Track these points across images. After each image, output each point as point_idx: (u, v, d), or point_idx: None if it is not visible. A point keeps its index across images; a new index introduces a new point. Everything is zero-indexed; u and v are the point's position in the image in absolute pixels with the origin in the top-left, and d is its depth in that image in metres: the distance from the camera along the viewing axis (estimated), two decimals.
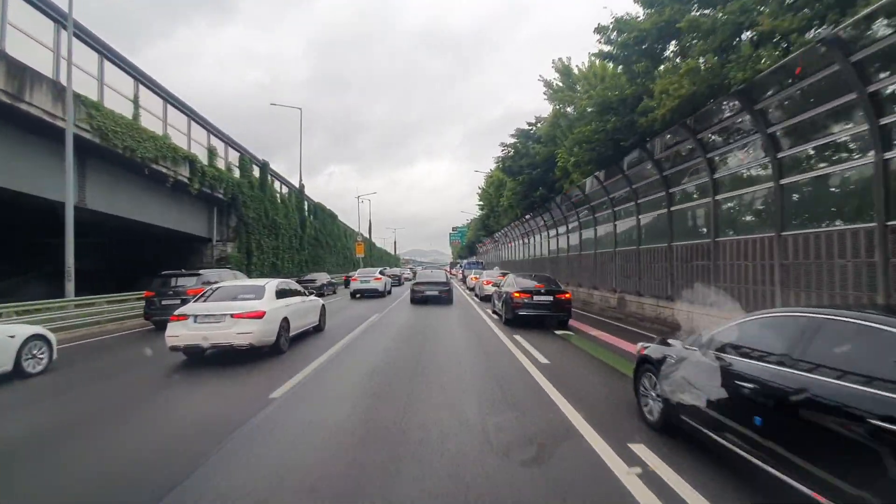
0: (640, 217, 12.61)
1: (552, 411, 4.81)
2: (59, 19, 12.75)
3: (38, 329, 7.41)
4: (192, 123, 20.28)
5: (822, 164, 6.87)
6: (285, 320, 8.42)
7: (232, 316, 7.39)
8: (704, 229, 9.66)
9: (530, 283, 12.69)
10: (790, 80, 6.69)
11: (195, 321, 7.42)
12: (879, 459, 1.95)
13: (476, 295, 22.70)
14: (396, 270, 46.19)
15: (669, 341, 4.31)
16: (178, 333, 7.31)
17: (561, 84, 15.78)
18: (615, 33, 10.75)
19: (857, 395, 2.21)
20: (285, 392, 5.77)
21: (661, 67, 10.60)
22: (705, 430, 3.27)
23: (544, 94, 16.49)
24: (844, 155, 6.47)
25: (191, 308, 7.76)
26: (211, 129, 21.78)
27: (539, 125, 19.67)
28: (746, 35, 8.66)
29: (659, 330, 10.62)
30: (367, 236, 66.31)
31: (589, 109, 12.68)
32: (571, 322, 12.30)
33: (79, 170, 14.11)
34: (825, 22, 7.21)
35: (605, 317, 13.30)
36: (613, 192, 14.01)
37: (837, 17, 6.77)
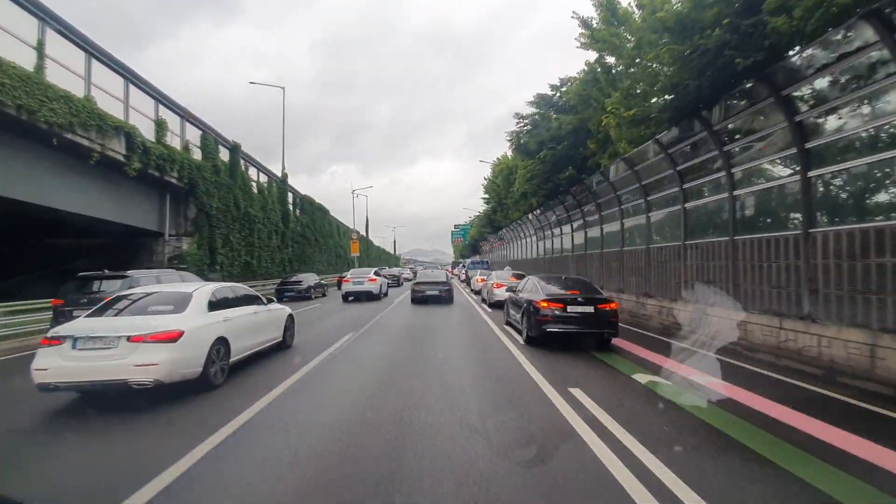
0: (734, 193, 8.55)
1: None
2: None
3: None
4: (132, 88, 16.29)
5: None
6: (221, 342, 6.11)
7: (128, 339, 5.16)
8: None
9: (561, 289, 9.42)
10: None
11: (74, 347, 5.16)
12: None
13: (484, 300, 18.76)
14: (395, 270, 43.38)
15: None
16: (49, 366, 5.08)
17: (603, 25, 11.69)
18: None
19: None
20: (186, 470, 3.36)
21: None
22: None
23: (579, 39, 12.36)
24: None
25: (72, 327, 5.47)
26: (159, 96, 17.78)
27: (566, 88, 15.55)
28: None
29: (796, 371, 6.58)
30: (364, 234, 62.41)
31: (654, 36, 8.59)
32: (625, 344, 8.70)
33: None
34: None
35: (672, 337, 9.25)
36: (685, 159, 9.96)
37: None
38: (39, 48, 12.49)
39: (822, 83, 6.40)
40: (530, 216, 25.29)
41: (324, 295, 24.37)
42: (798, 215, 7.11)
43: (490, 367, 7.28)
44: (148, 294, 6.36)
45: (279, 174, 29.71)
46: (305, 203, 34.87)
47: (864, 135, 5.99)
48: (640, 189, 11.92)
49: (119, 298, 6.32)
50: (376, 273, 22.69)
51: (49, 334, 5.41)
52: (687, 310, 9.86)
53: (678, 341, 8.71)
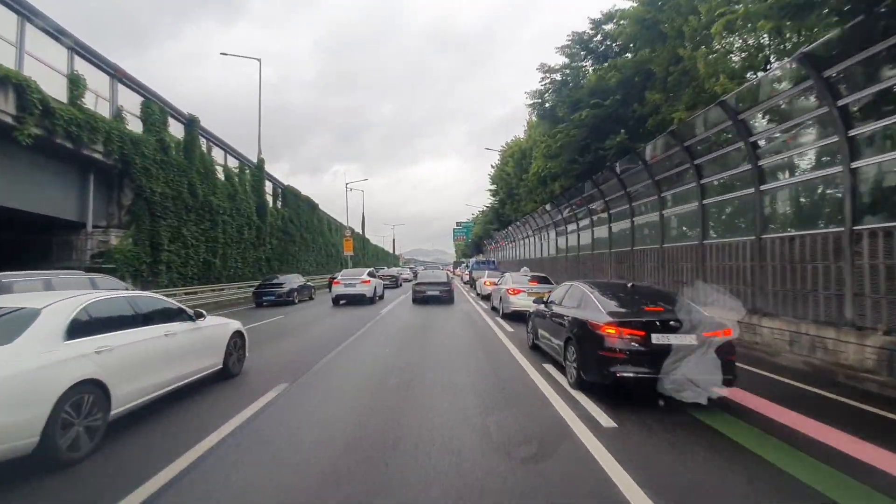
0: None
1: None
2: None
3: None
4: (29, 28, 12.24)
5: None
6: (89, 387, 3.98)
7: None
8: None
9: (632, 305, 5.79)
10: None
11: None
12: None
13: (495, 308, 14.90)
14: (394, 271, 40.34)
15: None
16: None
17: None
18: None
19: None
20: None
21: None
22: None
23: None
24: None
25: None
26: (76, 46, 13.71)
27: (615, 24, 11.27)
28: None
29: None
30: (360, 231, 58.38)
31: None
32: (756, 402, 5.00)
33: None
34: None
35: (853, 396, 5.18)
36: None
37: None
38: None
39: None
40: (548, 207, 21.20)
41: (310, 298, 21.44)
42: None
43: (532, 445, 3.97)
44: None
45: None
46: (288, 194, 30.80)
47: None
48: (749, 149, 7.76)
49: None
50: (370, 274, 19.87)
51: None
52: (870, 343, 5.71)
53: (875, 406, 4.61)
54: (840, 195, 6.34)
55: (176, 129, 18.61)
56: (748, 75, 7.10)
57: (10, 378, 3.43)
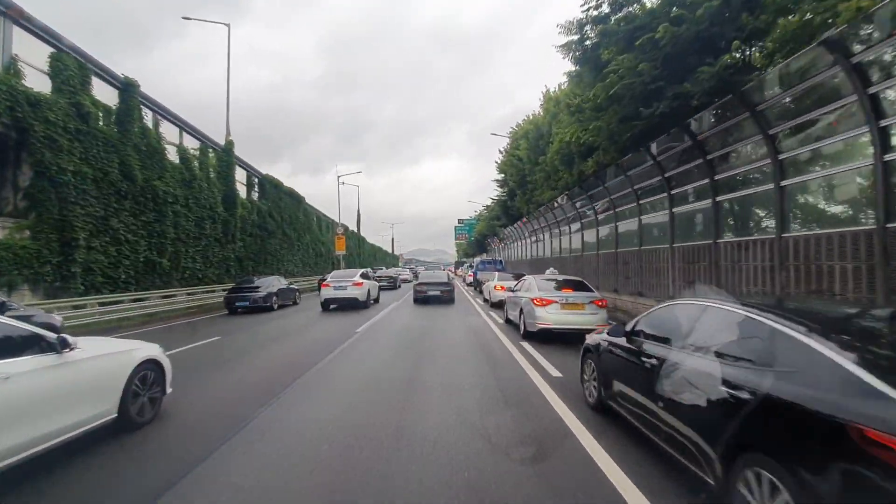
0: None
1: None
2: None
3: None
4: None
5: None
6: None
7: None
8: None
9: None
10: None
11: None
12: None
13: (510, 321, 11.60)
14: (392, 271, 38.08)
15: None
16: None
17: None
18: None
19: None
20: None
21: None
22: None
23: None
24: None
25: None
26: None
27: None
28: None
29: None
30: (356, 229, 54.65)
31: None
32: None
33: None
34: None
35: None
36: None
37: None
38: None
39: None
40: (569, 193, 17.35)
41: (294, 303, 19.01)
42: None
43: None
44: None
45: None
46: (267, 184, 26.97)
47: None
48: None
49: None
50: (363, 275, 17.62)
51: None
52: None
53: None
54: None
55: (109, 96, 14.85)
56: None
57: None
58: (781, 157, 7.08)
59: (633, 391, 3.81)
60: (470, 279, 35.91)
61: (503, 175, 28.66)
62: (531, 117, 20.52)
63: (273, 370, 7.14)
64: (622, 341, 4.18)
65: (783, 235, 7.09)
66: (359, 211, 53.69)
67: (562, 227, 20.42)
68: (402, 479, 3.21)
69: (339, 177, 39.80)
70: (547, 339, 9.19)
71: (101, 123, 13.80)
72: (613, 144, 10.61)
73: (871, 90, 5.47)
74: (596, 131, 10.44)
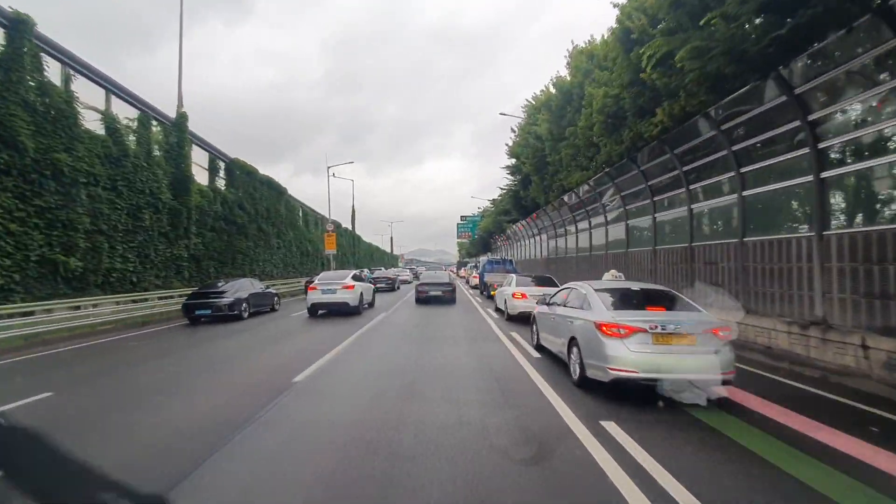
0: None
1: None
2: None
3: None
4: None
5: None
6: None
7: None
8: None
9: None
10: None
11: None
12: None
13: (541, 346, 7.76)
14: (390, 272, 35.20)
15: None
16: None
17: None
18: None
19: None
20: None
21: None
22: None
23: None
24: None
25: None
26: None
27: None
28: None
29: None
30: (350, 227, 50.64)
31: None
32: None
33: None
34: None
35: None
36: None
37: None
38: None
39: None
40: (609, 177, 13.31)
41: (272, 309, 16.59)
42: None
43: None
44: None
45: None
46: (237, 170, 22.89)
47: None
48: None
49: None
50: (355, 277, 15.78)
51: None
52: None
53: None
54: None
55: None
56: None
57: None
58: None
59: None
60: (475, 281, 31.93)
61: (515, 160, 24.50)
62: (555, 80, 16.39)
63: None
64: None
65: None
66: (353, 206, 49.67)
67: (594, 218, 16.31)
68: None
69: (329, 168, 35.78)
70: (631, 394, 5.13)
71: None
72: (711, 82, 6.53)
73: None
74: (695, 52, 6.30)
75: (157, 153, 16.43)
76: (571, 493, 3.14)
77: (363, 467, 3.45)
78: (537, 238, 27.05)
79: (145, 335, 11.63)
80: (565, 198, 17.85)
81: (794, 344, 6.93)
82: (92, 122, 13.70)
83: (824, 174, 6.68)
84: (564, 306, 6.84)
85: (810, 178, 6.81)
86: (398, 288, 30.31)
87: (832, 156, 6.73)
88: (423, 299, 17.66)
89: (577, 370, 5.89)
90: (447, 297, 17.50)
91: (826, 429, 4.21)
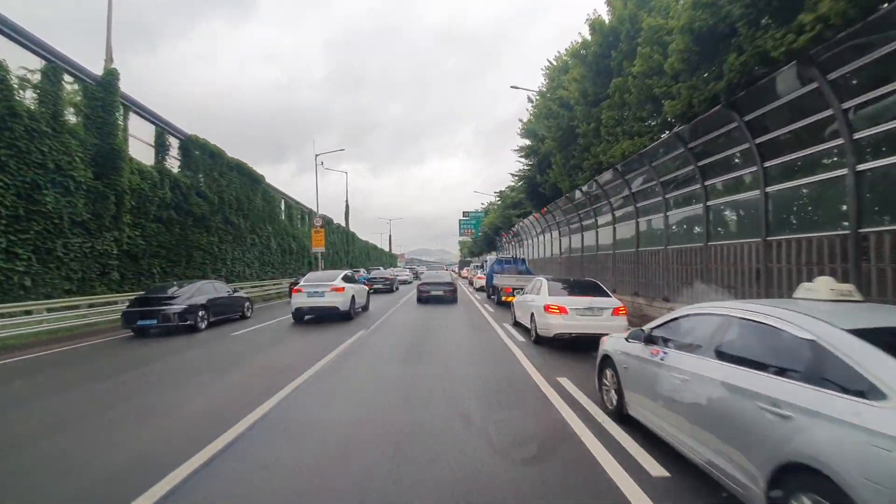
0: None
1: None
2: None
3: None
4: None
5: None
6: None
7: None
8: None
9: None
10: None
11: None
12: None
13: (624, 410, 3.60)
14: (388, 272, 32.50)
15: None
16: None
17: None
18: None
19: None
20: None
21: None
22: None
23: None
24: None
25: None
26: None
27: None
28: None
29: None
30: (344, 223, 46.90)
31: None
32: None
33: None
34: None
35: None
36: None
37: None
38: None
39: None
40: (679, 140, 9.42)
41: (243, 316, 14.06)
42: None
43: None
44: None
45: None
46: (195, 150, 18.99)
47: None
48: None
49: None
50: (346, 278, 13.87)
51: None
52: None
53: None
54: None
55: None
56: None
57: None
58: None
59: None
60: (480, 282, 28.13)
61: (529, 141, 20.51)
62: (591, 20, 12.46)
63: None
64: None
65: None
66: (347, 201, 45.80)
67: (645, 202, 12.42)
68: None
69: (316, 156, 31.84)
70: None
71: None
72: None
73: None
74: None
75: (70, 118, 12.57)
76: None
77: None
78: (553, 233, 23.17)
79: (55, 355, 8.64)
80: (601, 177, 13.93)
81: None
82: None
83: None
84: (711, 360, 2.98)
85: None
86: (397, 289, 27.97)
87: None
88: (424, 298, 17.84)
89: None
90: (448, 297, 17.86)
91: None
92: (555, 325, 8.31)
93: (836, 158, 6.38)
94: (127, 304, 11.94)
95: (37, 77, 11.77)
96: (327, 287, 12.77)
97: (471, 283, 34.16)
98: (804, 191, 7.15)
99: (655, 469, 3.40)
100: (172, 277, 16.20)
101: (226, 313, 13.05)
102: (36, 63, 11.98)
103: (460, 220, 51.51)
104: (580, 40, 14.15)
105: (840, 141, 6.06)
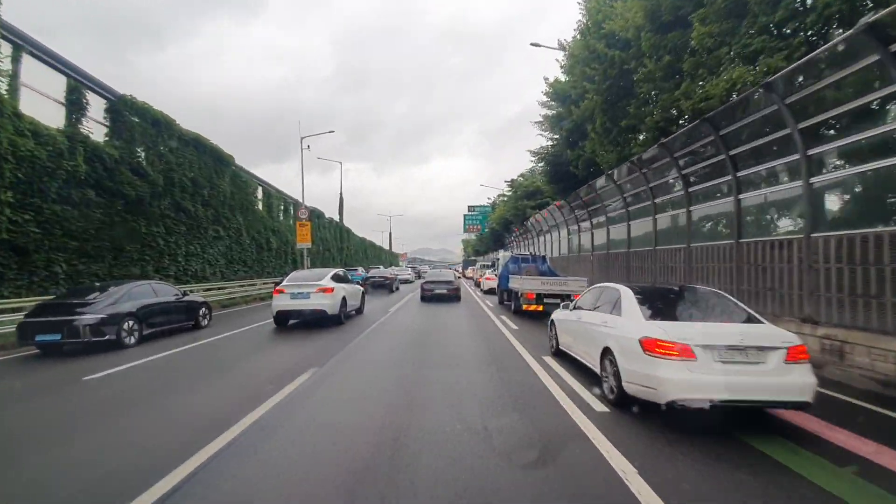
0: None
1: None
2: None
3: None
4: None
5: None
6: None
7: None
8: None
9: None
10: None
11: None
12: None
13: None
14: (388, 271, 30.26)
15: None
16: None
17: None
18: None
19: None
20: None
21: None
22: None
23: None
24: None
25: None
26: None
27: None
28: None
29: None
30: (339, 218, 42.94)
31: None
32: None
33: None
34: None
35: None
36: None
37: None
38: None
39: None
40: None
41: (196, 326, 11.24)
42: None
43: None
44: None
45: None
46: (130, 115, 14.87)
47: None
48: None
49: None
50: (336, 278, 12.23)
51: None
52: None
53: None
54: None
55: None
56: None
57: None
58: None
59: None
60: (489, 284, 24.13)
61: (558, 106, 16.23)
62: None
63: None
64: None
65: None
66: (341, 194, 41.81)
67: (746, 171, 8.20)
68: None
69: (302, 139, 27.75)
70: None
71: None
72: None
73: None
74: None
75: None
76: None
77: None
78: (581, 224, 19.00)
79: None
80: (671, 140, 9.72)
81: None
82: None
83: None
84: None
85: None
86: (397, 289, 25.87)
87: None
88: (428, 297, 18.16)
89: None
90: (452, 295, 18.31)
91: None
92: (673, 382, 4.17)
93: None
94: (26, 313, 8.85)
95: None
96: (313, 288, 11.36)
97: (477, 285, 30.11)
98: None
99: None
100: (90, 278, 12.24)
101: (171, 323, 10.38)
102: None
103: (465, 214, 47.29)
104: None
105: None
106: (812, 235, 6.88)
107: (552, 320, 7.91)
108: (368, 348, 8.47)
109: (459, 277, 30.64)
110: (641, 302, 5.13)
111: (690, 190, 10.25)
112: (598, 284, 6.81)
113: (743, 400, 4.06)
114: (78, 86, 12.95)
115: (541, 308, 12.77)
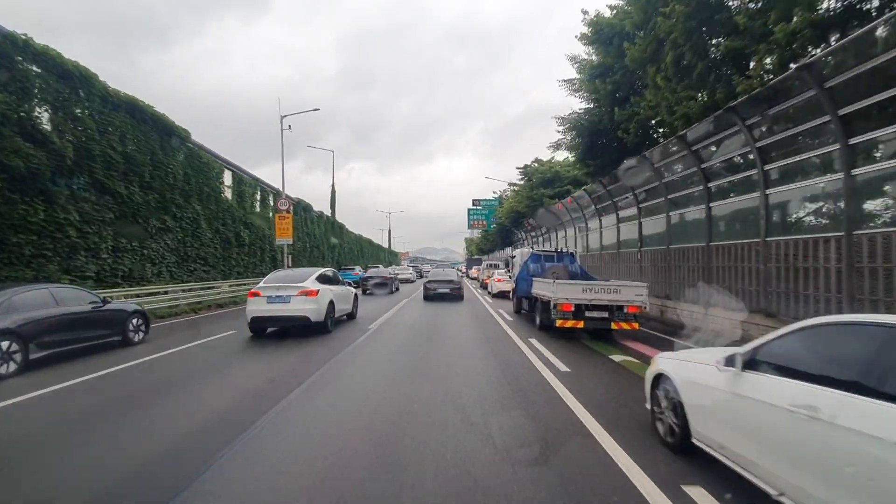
0: None
1: None
2: None
3: None
4: None
5: None
6: None
7: None
8: None
9: None
10: None
11: None
12: None
13: None
14: (387, 271, 27.66)
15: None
16: None
17: None
18: None
19: None
20: None
21: None
22: None
23: None
24: None
25: None
26: None
27: None
28: None
29: None
30: (331, 213, 39.12)
31: None
32: None
33: None
34: None
35: None
36: None
37: None
38: None
39: None
40: None
41: (125, 342, 8.96)
42: None
43: None
44: None
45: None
46: (23, 59, 10.96)
47: None
48: None
49: None
50: (323, 279, 10.79)
51: None
52: None
53: None
54: None
55: None
56: None
57: None
58: None
59: None
60: (499, 287, 20.45)
61: (598, 55, 12.22)
62: None
63: None
64: None
65: None
66: (333, 185, 37.96)
67: None
68: None
69: (283, 118, 23.91)
70: None
71: None
72: None
73: None
74: None
75: None
76: None
77: None
78: (621, 213, 15.09)
79: None
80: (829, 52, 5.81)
81: None
82: None
83: None
84: None
85: None
86: (397, 289, 24.18)
87: None
88: (431, 296, 18.08)
89: None
90: (455, 294, 18.11)
91: None
92: None
93: None
94: None
95: None
96: (294, 290, 9.98)
97: (483, 287, 26.28)
98: None
99: None
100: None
101: (82, 340, 8.06)
102: None
103: (469, 209, 43.32)
104: None
105: None
106: None
107: (667, 377, 3.96)
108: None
109: (463, 277, 28.36)
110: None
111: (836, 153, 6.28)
112: (832, 319, 2.81)
113: None
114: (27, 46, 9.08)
115: (580, 324, 8.92)
